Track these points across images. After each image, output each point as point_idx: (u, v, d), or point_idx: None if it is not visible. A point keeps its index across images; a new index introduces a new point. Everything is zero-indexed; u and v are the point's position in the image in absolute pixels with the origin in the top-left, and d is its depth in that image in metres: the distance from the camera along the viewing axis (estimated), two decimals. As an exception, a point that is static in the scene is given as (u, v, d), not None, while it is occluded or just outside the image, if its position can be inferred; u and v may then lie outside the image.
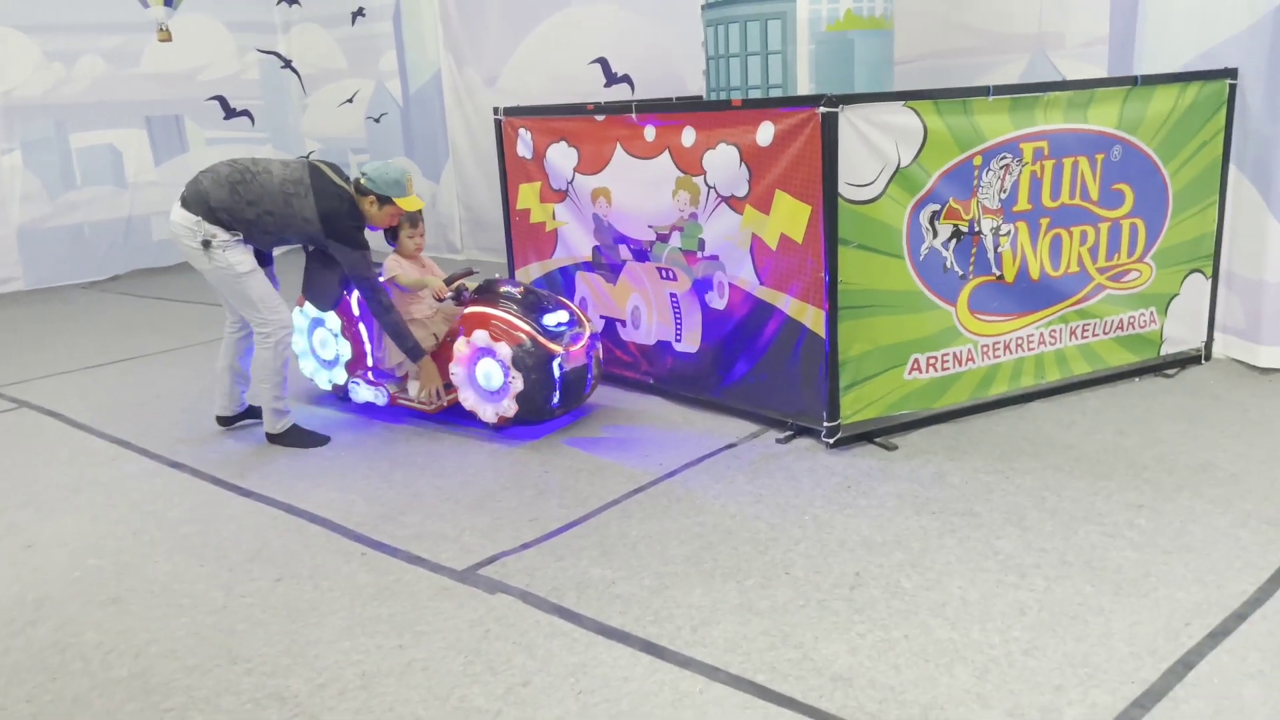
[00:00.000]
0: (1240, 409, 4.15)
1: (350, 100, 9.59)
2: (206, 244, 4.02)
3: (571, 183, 4.85)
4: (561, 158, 4.86)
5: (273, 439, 4.36)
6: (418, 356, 4.38)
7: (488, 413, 4.26)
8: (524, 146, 5.05)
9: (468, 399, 4.30)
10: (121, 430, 4.71)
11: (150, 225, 9.12)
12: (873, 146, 3.79)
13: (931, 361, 4.12)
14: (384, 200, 4.21)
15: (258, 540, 3.47)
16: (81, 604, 3.09)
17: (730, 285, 4.29)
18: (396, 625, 2.87)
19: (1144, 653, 2.52)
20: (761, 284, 4.15)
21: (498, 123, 5.18)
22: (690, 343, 4.56)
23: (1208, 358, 4.71)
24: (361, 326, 4.68)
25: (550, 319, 4.23)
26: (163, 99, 9.09)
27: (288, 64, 9.94)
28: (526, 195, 5.14)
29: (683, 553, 3.21)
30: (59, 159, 8.58)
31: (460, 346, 4.28)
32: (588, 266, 4.95)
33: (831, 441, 3.98)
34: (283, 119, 9.93)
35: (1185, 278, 4.58)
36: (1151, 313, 4.54)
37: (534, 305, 4.26)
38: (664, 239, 4.51)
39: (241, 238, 4.07)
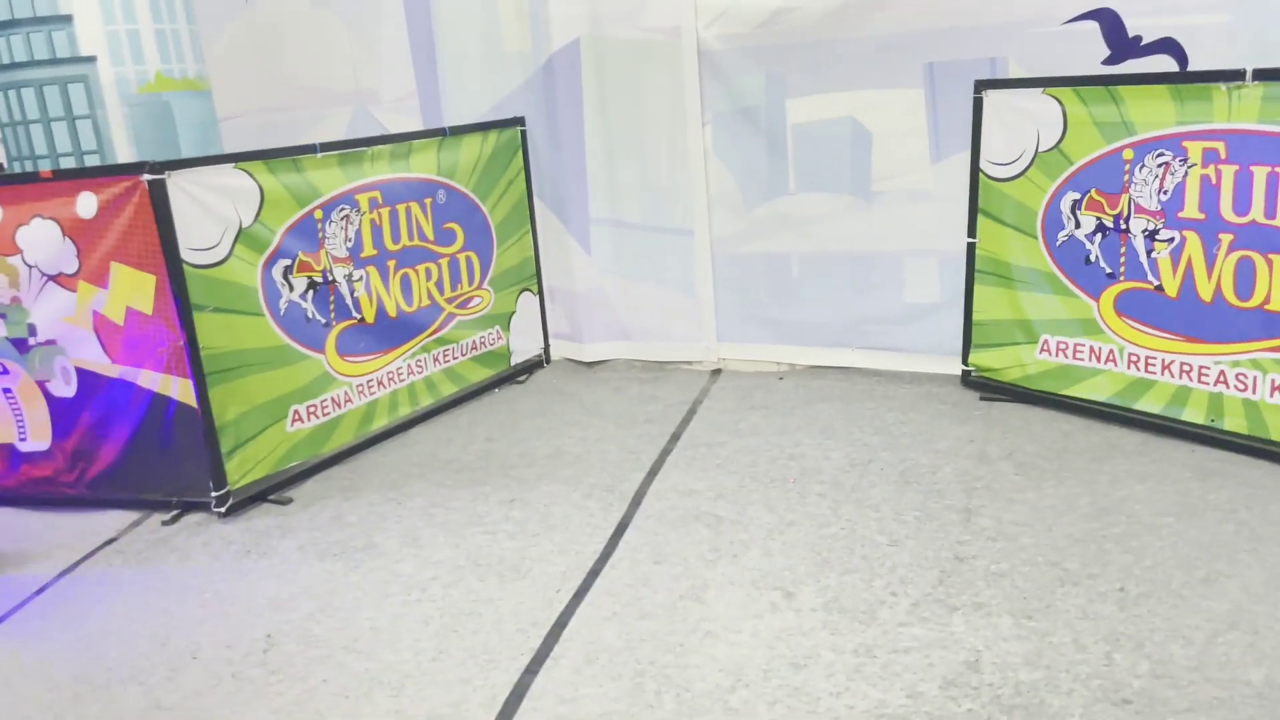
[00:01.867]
0: (577, 399, 4.96)
1: None
2: None
3: None
4: None
5: None
6: None
7: None
8: None
9: None
10: None
11: None
12: (210, 210, 3.77)
13: (311, 410, 4.23)
14: None
15: None
16: None
17: (76, 370, 3.93)
18: None
19: (528, 625, 2.95)
20: (114, 362, 3.87)
21: None
22: (40, 439, 4.07)
23: (548, 360, 5.53)
24: None
25: None
26: None
27: None
28: None
29: (68, 675, 2.90)
30: None
31: None
32: (-118, 374, 4.13)
33: (224, 510, 3.89)
34: None
35: (519, 296, 5.31)
36: (498, 330, 5.20)
37: None
38: (-18, 329, 3.96)
39: None
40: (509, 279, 5.22)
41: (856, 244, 4.84)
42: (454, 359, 4.94)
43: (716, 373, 5.21)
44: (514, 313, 5.28)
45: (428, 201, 4.69)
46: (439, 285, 4.81)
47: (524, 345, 5.36)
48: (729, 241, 5.09)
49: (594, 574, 3.23)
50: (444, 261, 4.82)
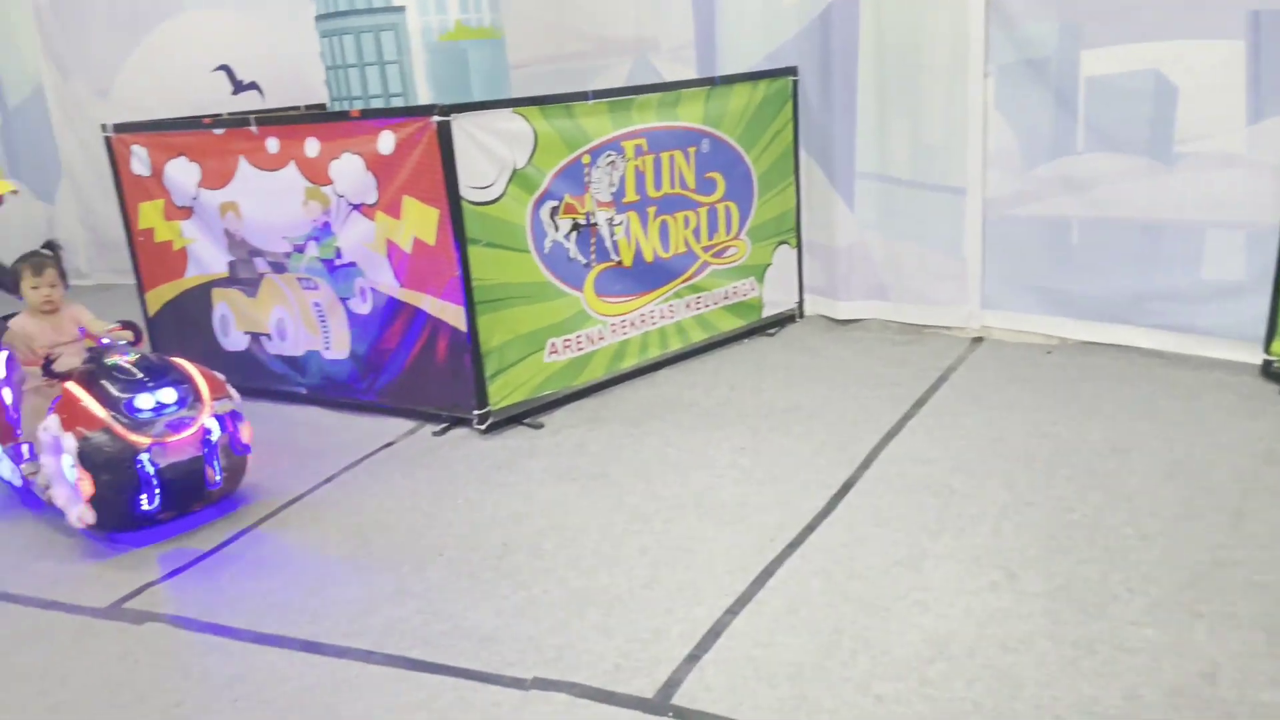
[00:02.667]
0: (824, 356, 4.91)
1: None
2: None
3: (197, 198, 4.73)
4: (182, 174, 4.72)
5: None
6: None
7: (73, 515, 3.42)
8: (139, 164, 4.84)
9: (59, 496, 3.45)
10: None
11: None
12: (488, 151, 4.07)
13: (567, 344, 4.49)
14: None
15: None
16: None
17: (372, 290, 4.41)
18: (37, 673, 2.77)
19: (737, 570, 3.01)
20: (402, 286, 4.32)
21: (107, 140, 4.92)
22: (339, 349, 4.63)
23: (801, 315, 5.50)
24: (6, 391, 3.94)
25: (145, 400, 3.40)
26: None
27: None
28: (148, 214, 4.93)
29: (340, 553, 3.33)
30: None
31: (42, 433, 3.44)
32: (225, 283, 4.85)
33: (484, 428, 4.25)
34: None
35: (775, 249, 5.31)
36: (751, 282, 5.23)
37: (132, 382, 3.43)
38: (300, 249, 4.54)
39: None
40: (767, 231, 5.22)
41: (1149, 211, 4.40)
42: (706, 307, 5.04)
43: (977, 341, 4.95)
44: (769, 265, 5.29)
45: (691, 150, 4.78)
46: (696, 233, 4.91)
47: (777, 298, 5.36)
48: (1003, 202, 4.79)
49: (809, 529, 3.23)
50: (703, 210, 4.91)
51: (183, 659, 2.78)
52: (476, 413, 4.24)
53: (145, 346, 4.09)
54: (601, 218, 4.50)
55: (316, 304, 4.62)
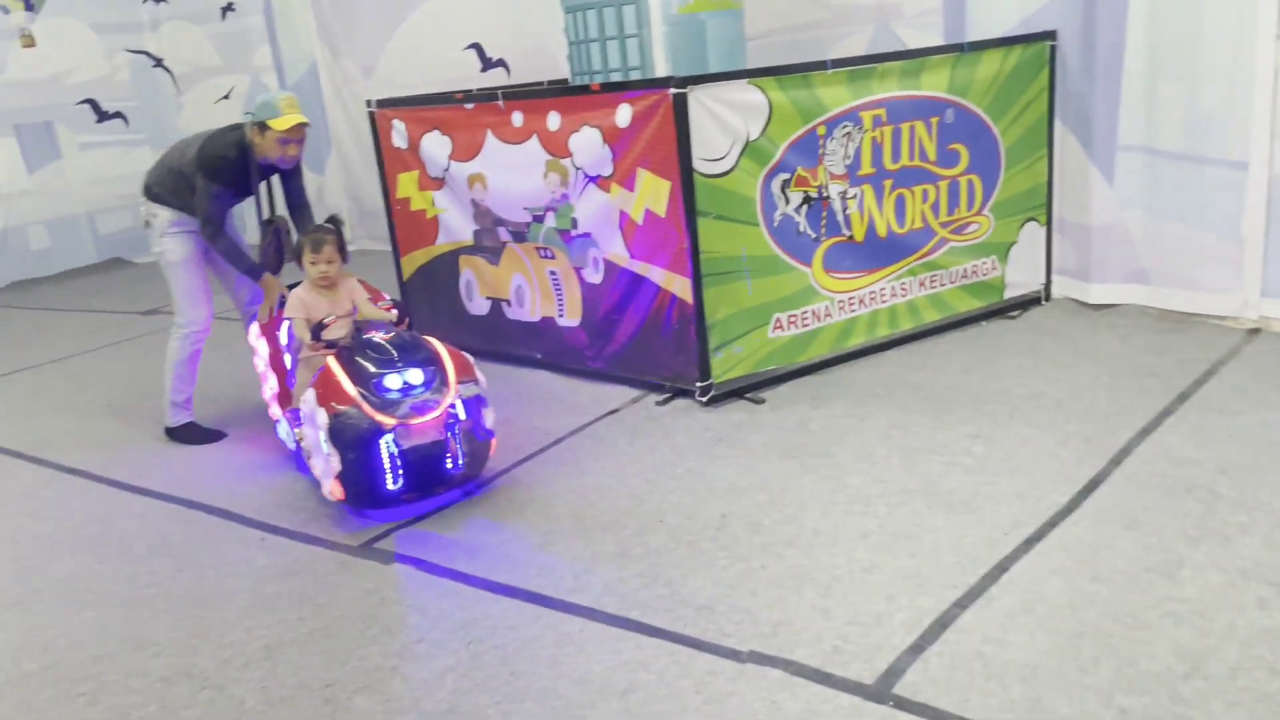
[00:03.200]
0: (1072, 342, 4.57)
1: (227, 96, 9.48)
2: (148, 224, 4.37)
3: (448, 170, 5.01)
4: (436, 146, 5.01)
5: (169, 433, 4.48)
6: (256, 275, 4.24)
7: (325, 488, 3.48)
8: (399, 137, 5.18)
9: (316, 467, 3.54)
10: (13, 442, 4.73)
11: (27, 236, 8.92)
12: (722, 123, 4.06)
13: (793, 319, 4.43)
14: (264, 127, 4.06)
15: (157, 535, 3.60)
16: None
17: (605, 260, 4.52)
18: (297, 600, 3.06)
19: (966, 561, 2.87)
20: (633, 257, 4.40)
21: (371, 115, 5.30)
22: (572, 317, 4.79)
23: (1047, 298, 5.14)
24: (287, 357, 4.14)
25: (393, 380, 3.37)
26: (31, 106, 8.86)
27: (159, 63, 9.76)
28: (405, 184, 5.29)
29: (566, 511, 3.45)
30: (-75, 173, 8.33)
31: (303, 405, 3.53)
32: (470, 250, 5.13)
33: (705, 400, 4.27)
34: (159, 119, 9.75)
35: (1022, 226, 4.98)
36: (993, 260, 4.94)
37: (384, 361, 3.43)
38: (539, 219, 4.72)
39: (181, 224, 4.28)
40: (1013, 206, 4.91)
41: None
42: (941, 285, 4.82)
43: (1253, 332, 4.45)
44: (1014, 243, 4.97)
45: (934, 121, 4.56)
46: (934, 208, 4.69)
47: (1021, 279, 5.04)
48: (1293, 178, 4.26)
49: (1051, 525, 3.02)
50: (943, 184, 4.68)
51: (423, 600, 2.98)
52: (699, 384, 4.27)
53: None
54: (834, 191, 4.39)
55: (552, 273, 4.79)
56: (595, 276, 4.60)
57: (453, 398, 3.43)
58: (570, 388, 4.70)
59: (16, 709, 2.65)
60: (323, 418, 3.33)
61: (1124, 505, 3.10)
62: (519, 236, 4.85)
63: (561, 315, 4.85)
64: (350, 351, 3.49)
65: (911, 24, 5.34)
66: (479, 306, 5.23)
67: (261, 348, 4.24)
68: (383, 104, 5.27)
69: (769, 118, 4.13)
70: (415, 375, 3.39)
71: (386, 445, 3.32)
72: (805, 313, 4.45)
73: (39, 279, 8.94)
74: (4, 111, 8.69)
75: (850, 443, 3.75)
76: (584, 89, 4.40)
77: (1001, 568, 2.82)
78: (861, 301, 4.60)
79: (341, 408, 3.32)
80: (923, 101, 4.50)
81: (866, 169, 4.44)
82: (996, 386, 4.14)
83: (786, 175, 4.25)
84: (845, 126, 4.33)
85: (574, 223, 4.58)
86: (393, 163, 5.31)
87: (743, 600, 2.79)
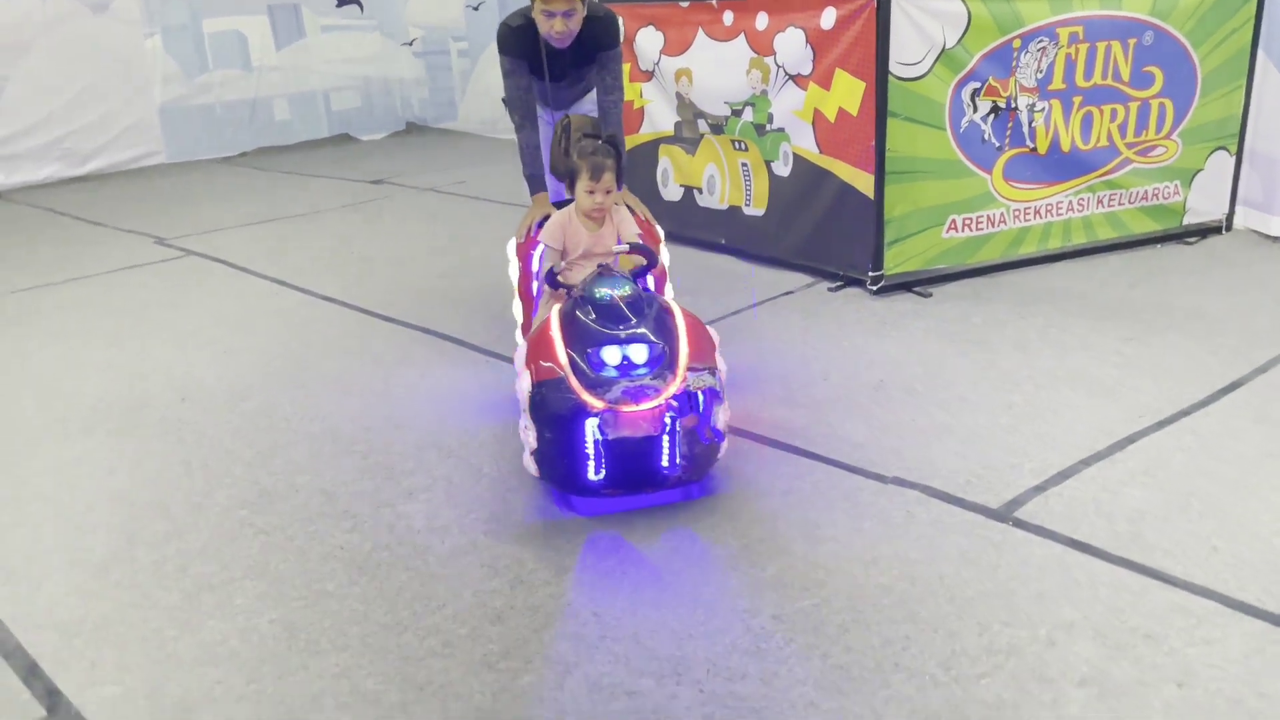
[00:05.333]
0: (1245, 269, 4.69)
1: (448, -12, 10.21)
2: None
3: (658, 64, 5.49)
4: (649, 41, 5.49)
5: None
6: (531, 187, 3.78)
7: (524, 458, 2.97)
8: (616, 31, 5.68)
9: (521, 429, 2.94)
10: (278, 273, 5.63)
11: (273, 106, 10.00)
12: (922, 30, 4.35)
13: (967, 222, 4.73)
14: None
15: (402, 351, 4.35)
16: (274, 389, 4.00)
17: (794, 154, 4.93)
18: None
19: (1099, 433, 3.22)
20: (820, 152, 4.78)
21: (593, 9, 5.81)
22: (758, 206, 5.24)
23: (1229, 228, 5.21)
24: (535, 284, 3.62)
25: (611, 353, 2.76)
26: (282, -13, 9.87)
27: (392, -47, 10.58)
28: (618, 75, 5.79)
29: (742, 363, 3.96)
30: (194, 43, 9.46)
31: (516, 355, 3.08)
32: (670, 140, 5.63)
33: (875, 289, 4.66)
34: (389, 7, 10.61)
35: (1210, 154, 5.06)
36: (1176, 185, 5.05)
37: (608, 325, 2.81)
38: (737, 114, 5.15)
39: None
40: (1203, 134, 4.98)
41: None
42: (1119, 205, 4.98)
43: None
44: (1200, 170, 5.06)
45: (1131, 42, 4.68)
46: (1122, 128, 4.84)
47: (1203, 206, 5.13)
48: None
49: (1184, 413, 3.32)
50: (1134, 105, 4.81)
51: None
52: (871, 274, 4.66)
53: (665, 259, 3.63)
54: (1023, 103, 4.62)
55: (744, 164, 5.23)
56: (784, 170, 5.02)
57: (678, 388, 2.76)
58: (749, 270, 5.18)
59: (307, 456, 3.42)
60: (525, 382, 2.82)
61: (1258, 404, 3.35)
62: (717, 129, 5.30)
63: (748, 205, 5.30)
64: (577, 305, 2.91)
65: (1124, -55, 5.37)
66: (673, 193, 5.74)
67: (512, 268, 3.74)
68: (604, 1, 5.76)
69: (966, 27, 4.39)
70: (639, 352, 2.76)
71: (591, 430, 2.76)
72: (980, 217, 4.74)
73: (281, 147, 10.05)
74: (258, -9, 9.73)
75: (1008, 335, 4.09)
76: (793, -9, 4.76)
77: (1130, 439, 3.16)
78: (1037, 212, 4.84)
79: (544, 377, 2.77)
80: (1122, 22, 4.64)
81: (1057, 84, 4.64)
82: (1159, 301, 4.36)
83: (977, 84, 4.51)
84: (1041, 41, 4.53)
85: (770, 118, 4.99)
86: (608, 54, 5.81)
87: (891, 442, 3.24)
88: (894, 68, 4.36)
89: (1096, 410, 3.38)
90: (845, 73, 4.52)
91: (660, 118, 5.63)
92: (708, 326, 3.01)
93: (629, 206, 3.57)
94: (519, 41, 3.72)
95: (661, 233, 3.78)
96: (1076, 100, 4.71)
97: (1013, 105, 4.61)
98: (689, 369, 2.79)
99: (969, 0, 4.36)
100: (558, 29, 3.53)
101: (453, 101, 10.67)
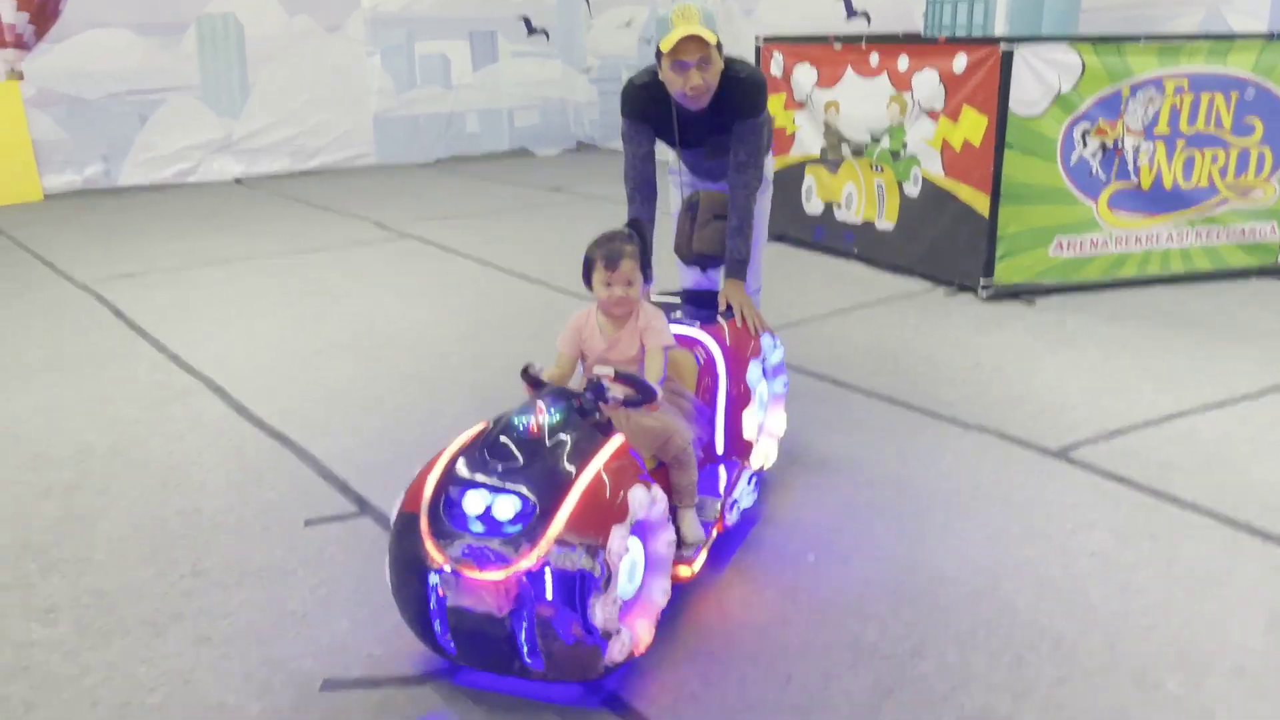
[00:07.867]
0: (1330, 303, 5.22)
1: (628, 24, 11.38)
2: None
3: (810, 95, 6.39)
4: (804, 76, 6.40)
5: None
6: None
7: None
8: (776, 66, 6.61)
9: None
10: (479, 254, 6.76)
11: (465, 120, 11.36)
12: (1040, 77, 5.11)
13: (1072, 243, 5.43)
14: (659, 53, 3.12)
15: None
16: (508, 328, 5.06)
17: (923, 178, 5.73)
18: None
19: (1151, 410, 3.91)
20: (946, 176, 5.57)
21: (757, 48, 6.77)
22: (889, 220, 6.05)
23: (1324, 268, 5.71)
24: None
25: (474, 500, 2.21)
26: (483, 16, 11.23)
27: (580, -12, 11.85)
28: (773, 104, 6.72)
29: (857, 349, 4.80)
30: (406, 62, 10.91)
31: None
32: (815, 162, 6.50)
33: (985, 296, 5.41)
34: (572, 38, 11.86)
35: (1309, 199, 5.59)
36: (1273, 225, 5.61)
37: (486, 462, 2.28)
38: (877, 140, 5.99)
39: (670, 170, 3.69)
40: (1302, 180, 5.53)
41: None
42: (1216, 240, 5.57)
43: None
44: (1297, 212, 5.60)
45: (1234, 95, 5.30)
46: (1222, 171, 5.45)
47: (1299, 246, 5.66)
48: None
49: (1235, 400, 3.98)
50: (1234, 150, 5.42)
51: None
52: (982, 283, 5.41)
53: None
54: (1129, 143, 5.30)
55: (879, 184, 6.06)
56: (913, 190, 5.82)
57: (535, 561, 2.13)
58: (874, 276, 5.99)
59: (446, 371, 4.44)
60: (398, 503, 2.35)
61: (1302, 401, 3.97)
62: (857, 153, 6.15)
63: (880, 219, 6.11)
64: (493, 427, 2.37)
65: (1240, 10, 5.98)
66: (815, 207, 6.61)
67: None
68: (769, 40, 6.71)
69: (1080, 76, 5.12)
70: (506, 506, 2.19)
71: (436, 587, 2.21)
72: (1085, 239, 5.43)
73: (469, 156, 11.39)
74: (461, 19, 11.10)
75: (1096, 338, 4.78)
76: (932, 40, 5.58)
77: (1180, 414, 3.84)
78: (1139, 240, 5.49)
79: (409, 509, 2.30)
80: (1225, 78, 5.27)
81: (1162, 129, 5.30)
82: (1241, 323, 4.96)
83: (1088, 124, 5.23)
84: (1149, 91, 5.21)
85: (904, 145, 5.81)
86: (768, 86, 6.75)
87: (972, 398, 4.03)
88: (1014, 106, 5.13)
89: (1158, 395, 4.06)
90: (972, 109, 5.31)
91: (809, 142, 6.52)
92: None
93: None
94: (644, 101, 3.25)
95: (768, 335, 3.27)
96: (1180, 143, 5.35)
97: (1119, 145, 5.29)
98: (557, 541, 2.14)
99: (1084, 52, 5.09)
100: (693, 84, 3.06)
101: (621, 124, 11.80)
